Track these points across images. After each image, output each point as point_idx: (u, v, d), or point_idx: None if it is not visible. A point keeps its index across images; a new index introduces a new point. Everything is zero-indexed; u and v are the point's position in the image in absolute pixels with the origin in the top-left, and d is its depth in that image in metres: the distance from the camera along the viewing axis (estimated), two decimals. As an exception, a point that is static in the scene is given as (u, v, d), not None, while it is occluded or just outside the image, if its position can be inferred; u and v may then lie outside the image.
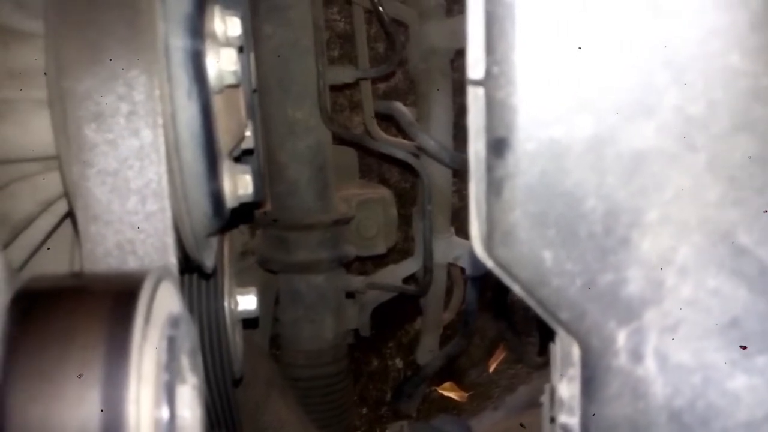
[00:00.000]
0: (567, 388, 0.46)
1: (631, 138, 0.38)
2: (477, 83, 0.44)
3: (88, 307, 0.41)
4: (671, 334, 0.39)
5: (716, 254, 0.38)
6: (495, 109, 0.41)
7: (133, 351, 0.39)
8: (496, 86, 0.41)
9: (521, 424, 1.22)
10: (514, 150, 0.40)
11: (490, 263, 0.45)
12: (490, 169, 0.42)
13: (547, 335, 0.46)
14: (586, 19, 0.40)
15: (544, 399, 0.70)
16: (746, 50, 0.37)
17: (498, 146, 0.41)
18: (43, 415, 0.37)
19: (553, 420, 0.61)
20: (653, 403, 0.40)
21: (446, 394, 1.98)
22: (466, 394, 1.96)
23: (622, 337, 0.40)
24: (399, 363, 2.01)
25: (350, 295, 1.51)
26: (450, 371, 1.97)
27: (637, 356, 0.40)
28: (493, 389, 1.93)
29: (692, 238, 0.38)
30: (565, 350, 0.46)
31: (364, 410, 1.96)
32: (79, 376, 0.37)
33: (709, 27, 0.37)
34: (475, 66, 0.43)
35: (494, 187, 0.42)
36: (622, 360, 0.41)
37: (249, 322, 0.97)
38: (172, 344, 0.42)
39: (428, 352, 1.63)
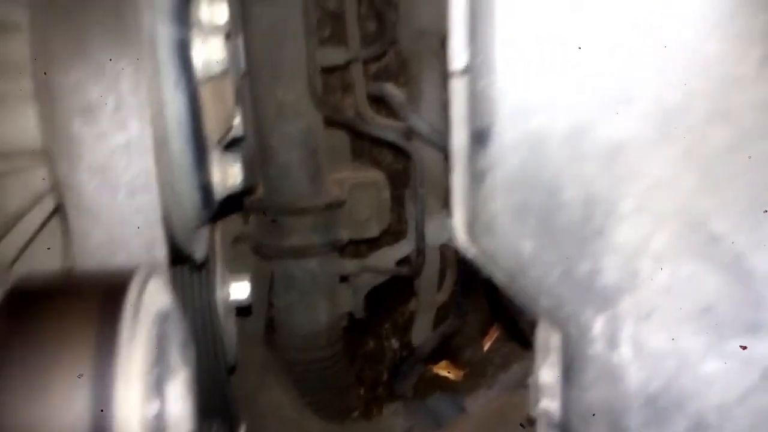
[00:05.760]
0: (548, 373, 0.47)
1: (610, 128, 0.39)
2: (459, 73, 0.44)
3: (78, 307, 0.41)
4: (646, 320, 0.40)
5: (691, 242, 0.39)
6: (477, 99, 0.41)
7: (121, 349, 0.39)
8: (478, 76, 0.42)
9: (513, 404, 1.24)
10: (496, 140, 0.41)
11: (472, 252, 0.46)
12: (472, 159, 0.43)
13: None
14: (567, 9, 0.40)
15: (531, 381, 0.71)
16: (724, 37, 0.38)
17: (480, 136, 0.41)
18: (34, 414, 0.38)
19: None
20: (629, 388, 0.41)
21: (442, 373, 2.00)
22: (462, 373, 1.99)
23: (598, 325, 0.41)
24: (395, 343, 2.04)
25: (344, 278, 1.52)
26: (445, 350, 2.00)
27: (613, 343, 0.41)
28: (488, 367, 1.96)
29: (668, 226, 0.39)
30: (546, 337, 0.47)
31: (361, 391, 1.98)
32: (76, 375, 0.38)
33: (690, 13, 0.37)
34: (458, 56, 0.44)
35: (477, 177, 0.42)
36: (598, 347, 0.42)
37: (243, 310, 0.98)
38: (161, 341, 0.43)
39: (423, 332, 1.65)
